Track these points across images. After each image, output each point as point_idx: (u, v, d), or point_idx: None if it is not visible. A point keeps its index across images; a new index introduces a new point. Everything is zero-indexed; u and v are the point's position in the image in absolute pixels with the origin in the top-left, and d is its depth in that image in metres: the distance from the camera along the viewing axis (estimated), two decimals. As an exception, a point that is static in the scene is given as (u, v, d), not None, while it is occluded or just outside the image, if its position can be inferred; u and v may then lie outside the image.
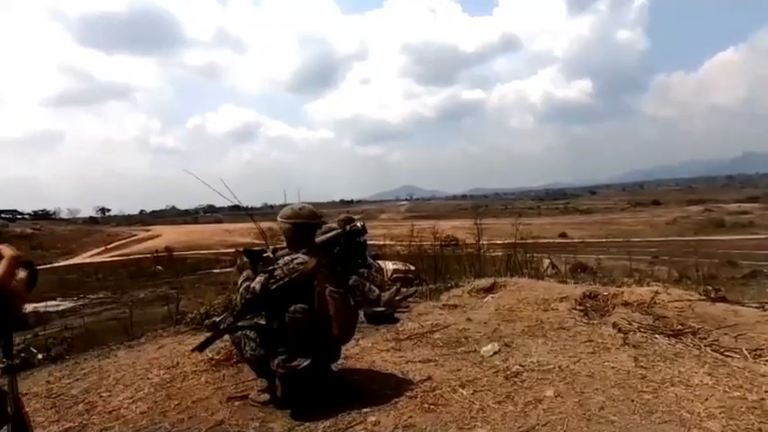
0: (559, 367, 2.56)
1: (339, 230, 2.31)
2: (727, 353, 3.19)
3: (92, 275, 40.35)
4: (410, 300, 5.00)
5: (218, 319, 2.20)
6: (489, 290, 5.93)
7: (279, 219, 2.33)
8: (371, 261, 6.11)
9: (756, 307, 4.54)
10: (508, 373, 2.53)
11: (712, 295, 4.93)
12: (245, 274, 2.19)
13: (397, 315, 4.19)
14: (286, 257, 2.11)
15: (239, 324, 2.12)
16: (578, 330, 3.36)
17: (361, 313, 4.16)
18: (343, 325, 2.16)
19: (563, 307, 4.38)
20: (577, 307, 4.37)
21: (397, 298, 4.71)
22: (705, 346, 3.38)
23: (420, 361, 2.86)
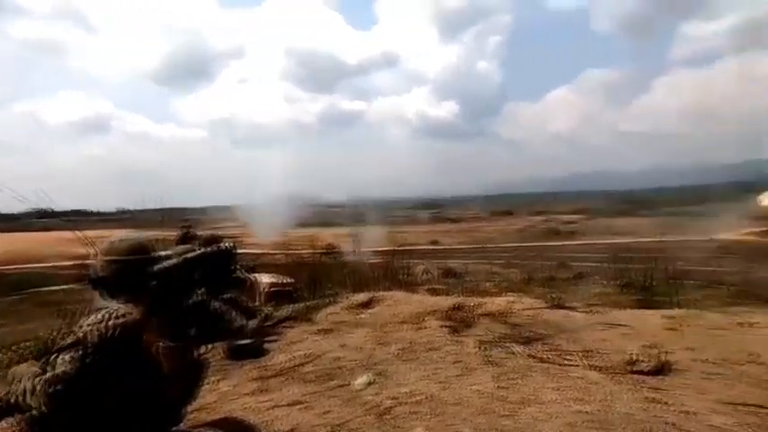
0: (430, 396, 2.55)
1: (177, 260, 1.91)
2: (566, 357, 3.63)
3: None
4: (283, 324, 4.65)
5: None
6: (367, 305, 5.93)
7: (98, 255, 1.83)
8: (245, 275, 5.57)
9: (585, 311, 5.38)
10: (380, 409, 2.43)
11: (556, 303, 5.71)
12: (26, 371, 1.58)
13: (266, 346, 3.82)
14: (102, 311, 1.64)
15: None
16: (447, 350, 3.46)
17: (225, 345, 3.69)
18: (181, 385, 1.78)
19: (434, 323, 4.55)
20: (446, 322, 4.58)
21: (267, 324, 4.33)
22: (550, 351, 3.81)
23: (287, 404, 2.59)
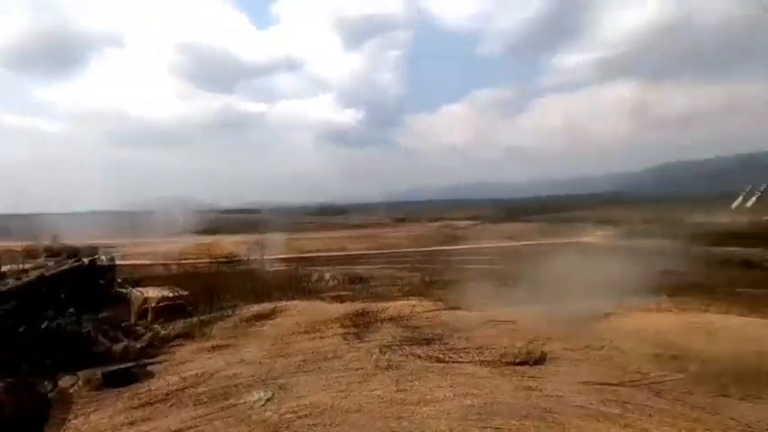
0: (331, 406, 2.53)
1: (29, 278, 1.65)
2: (461, 355, 3.90)
3: None
4: (173, 342, 4.24)
5: None
6: (268, 316, 5.70)
7: None
8: (127, 290, 4.98)
9: (478, 311, 5.86)
10: (279, 425, 2.34)
11: (452, 304, 6.12)
12: None
13: (152, 367, 3.44)
14: None
15: None
16: (350, 357, 3.48)
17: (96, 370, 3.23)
18: (27, 425, 1.52)
19: (337, 331, 4.54)
20: (351, 329, 4.61)
21: (153, 344, 3.91)
22: (446, 350, 4.06)
23: (175, 431, 2.35)
